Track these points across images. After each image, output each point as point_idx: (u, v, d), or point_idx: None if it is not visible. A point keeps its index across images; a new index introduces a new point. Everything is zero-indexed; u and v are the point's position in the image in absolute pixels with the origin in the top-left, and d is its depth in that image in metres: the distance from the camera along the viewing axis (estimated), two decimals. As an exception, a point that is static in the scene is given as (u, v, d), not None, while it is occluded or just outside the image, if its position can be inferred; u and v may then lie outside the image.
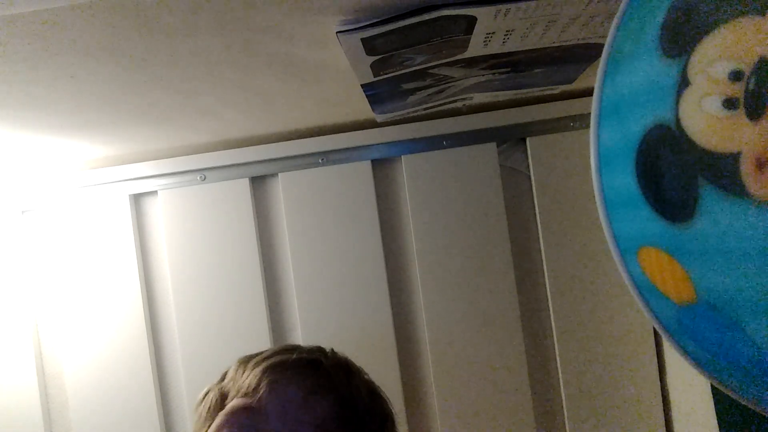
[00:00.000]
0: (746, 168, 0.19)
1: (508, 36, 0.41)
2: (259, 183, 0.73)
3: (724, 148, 0.20)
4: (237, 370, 0.49)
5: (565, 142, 0.71)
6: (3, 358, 0.72)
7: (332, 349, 0.52)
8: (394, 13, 0.36)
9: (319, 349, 0.51)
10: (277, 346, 0.52)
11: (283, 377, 0.45)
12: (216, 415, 0.46)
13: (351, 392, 0.47)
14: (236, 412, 0.43)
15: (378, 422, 0.49)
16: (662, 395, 0.70)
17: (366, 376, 0.51)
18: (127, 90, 0.46)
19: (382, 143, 0.71)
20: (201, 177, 0.71)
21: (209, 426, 0.45)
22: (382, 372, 0.70)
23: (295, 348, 0.51)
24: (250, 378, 0.46)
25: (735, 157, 0.20)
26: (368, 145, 0.71)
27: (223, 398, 0.47)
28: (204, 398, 0.50)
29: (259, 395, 0.44)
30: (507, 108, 0.71)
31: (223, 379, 0.51)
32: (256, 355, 0.50)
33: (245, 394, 0.45)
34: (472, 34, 0.40)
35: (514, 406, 0.70)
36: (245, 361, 0.50)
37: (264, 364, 0.46)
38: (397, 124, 0.70)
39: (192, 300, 0.71)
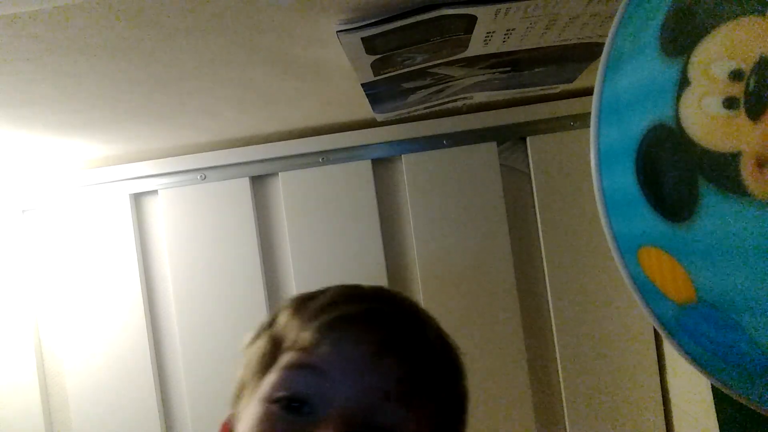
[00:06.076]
0: (746, 167, 0.19)
1: (508, 35, 0.41)
2: (259, 182, 0.73)
3: (725, 148, 0.20)
4: (292, 316, 0.43)
5: (565, 141, 0.71)
6: (3, 358, 0.72)
7: (399, 294, 0.47)
8: (395, 13, 0.36)
9: (385, 296, 0.46)
10: (335, 289, 0.45)
11: (347, 334, 0.39)
12: (269, 365, 0.41)
13: (423, 349, 0.41)
14: (295, 370, 0.39)
15: (453, 380, 0.44)
16: (662, 395, 0.70)
17: (437, 324, 0.45)
18: (127, 90, 0.46)
19: (382, 142, 0.71)
20: (201, 176, 0.71)
21: (260, 377, 0.41)
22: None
23: (358, 295, 0.45)
24: (308, 332, 0.40)
25: (735, 157, 0.20)
26: (368, 145, 0.71)
27: (276, 346, 0.42)
28: (253, 342, 0.45)
29: (319, 353, 0.38)
30: (507, 107, 0.70)
31: (272, 323, 0.45)
32: (311, 297, 0.44)
33: (302, 349, 0.39)
34: (472, 33, 0.40)
35: (514, 406, 0.70)
36: (299, 306, 0.44)
37: (324, 317, 0.41)
38: (397, 123, 0.70)
39: (192, 299, 0.71)
